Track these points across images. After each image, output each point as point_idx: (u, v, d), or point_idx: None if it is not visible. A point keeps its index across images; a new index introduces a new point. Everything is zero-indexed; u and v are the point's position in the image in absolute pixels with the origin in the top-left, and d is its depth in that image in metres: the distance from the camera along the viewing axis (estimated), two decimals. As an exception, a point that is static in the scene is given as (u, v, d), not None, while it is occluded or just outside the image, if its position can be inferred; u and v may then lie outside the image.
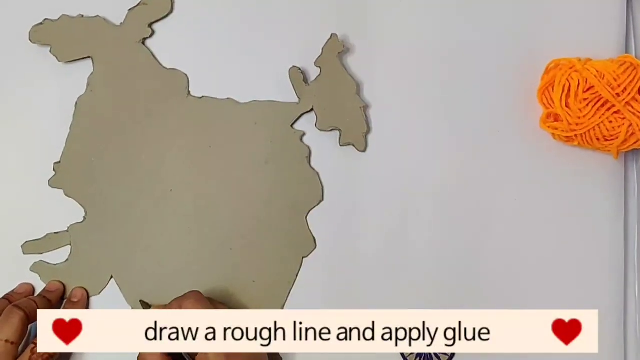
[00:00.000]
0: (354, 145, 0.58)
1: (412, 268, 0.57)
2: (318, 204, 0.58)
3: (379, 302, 0.57)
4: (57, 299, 0.56)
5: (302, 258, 0.57)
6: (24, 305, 0.52)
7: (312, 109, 0.58)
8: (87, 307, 0.56)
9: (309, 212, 0.57)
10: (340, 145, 0.58)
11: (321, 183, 0.58)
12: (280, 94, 0.58)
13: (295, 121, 0.58)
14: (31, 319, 0.52)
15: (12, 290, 0.56)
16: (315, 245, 0.57)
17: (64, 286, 0.56)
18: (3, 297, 0.55)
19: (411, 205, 0.58)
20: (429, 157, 0.58)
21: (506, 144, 0.58)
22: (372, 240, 0.57)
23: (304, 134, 0.58)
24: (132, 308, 0.57)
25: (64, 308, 0.56)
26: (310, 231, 0.57)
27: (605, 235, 0.58)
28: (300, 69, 0.58)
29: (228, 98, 0.58)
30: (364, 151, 0.58)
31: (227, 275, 0.56)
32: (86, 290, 0.57)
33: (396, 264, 0.57)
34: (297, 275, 0.57)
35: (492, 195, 0.58)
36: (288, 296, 0.57)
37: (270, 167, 0.57)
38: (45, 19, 0.58)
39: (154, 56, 0.58)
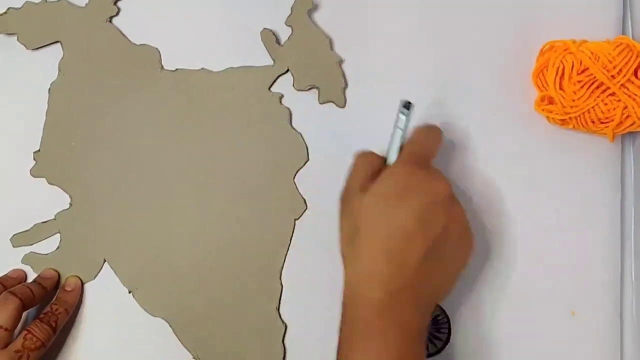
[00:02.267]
0: (333, 102, 0.57)
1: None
2: (304, 165, 0.57)
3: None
4: (52, 286, 0.55)
5: (295, 220, 0.57)
6: (20, 292, 0.51)
7: (287, 70, 0.57)
8: (81, 295, 0.56)
9: (296, 173, 0.57)
10: (320, 103, 0.57)
11: (305, 143, 0.57)
12: (254, 58, 0.57)
13: (272, 84, 0.57)
14: (26, 306, 0.51)
15: (6, 275, 0.55)
16: (306, 206, 0.57)
17: (59, 274, 0.56)
18: None
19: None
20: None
21: (500, 128, 0.57)
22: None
23: (282, 96, 0.57)
24: (129, 290, 0.56)
25: (58, 296, 0.55)
26: (299, 192, 0.57)
27: (602, 219, 0.56)
28: (271, 31, 0.57)
29: (202, 68, 0.57)
30: (343, 107, 0.57)
31: (220, 244, 0.56)
32: (80, 279, 0.56)
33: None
34: (291, 238, 0.56)
35: (485, 179, 0.57)
36: (285, 260, 0.56)
37: (252, 133, 0.57)
38: (9, 8, 0.57)
39: (122, 34, 0.57)
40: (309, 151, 0.57)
